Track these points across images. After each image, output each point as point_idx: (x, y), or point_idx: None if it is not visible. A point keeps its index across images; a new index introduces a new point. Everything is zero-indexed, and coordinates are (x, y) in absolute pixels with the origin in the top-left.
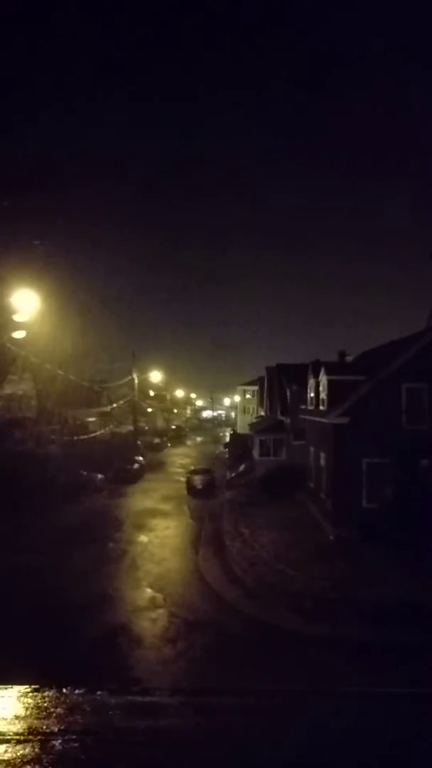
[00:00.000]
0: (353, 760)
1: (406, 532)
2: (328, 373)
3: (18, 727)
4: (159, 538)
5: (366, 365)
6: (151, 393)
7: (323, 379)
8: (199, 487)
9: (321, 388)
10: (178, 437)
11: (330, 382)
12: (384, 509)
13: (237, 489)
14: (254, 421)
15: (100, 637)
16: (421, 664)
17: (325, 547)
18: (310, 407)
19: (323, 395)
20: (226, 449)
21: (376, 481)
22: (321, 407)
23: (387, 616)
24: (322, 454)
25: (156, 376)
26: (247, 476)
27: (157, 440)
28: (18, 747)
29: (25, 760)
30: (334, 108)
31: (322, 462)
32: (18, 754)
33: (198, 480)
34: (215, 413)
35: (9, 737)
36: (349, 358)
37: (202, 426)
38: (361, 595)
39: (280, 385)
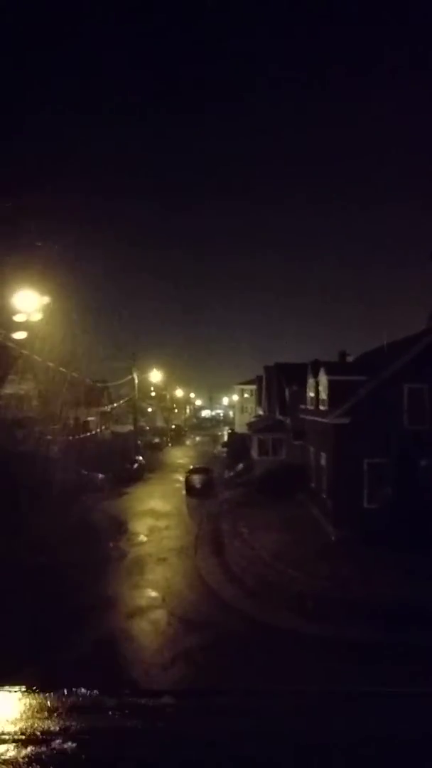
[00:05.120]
0: (354, 760)
1: (406, 533)
2: (327, 372)
3: (18, 727)
4: (158, 537)
5: (366, 365)
6: (153, 394)
7: (323, 378)
8: (198, 486)
9: (321, 388)
10: (177, 436)
11: (330, 382)
12: (385, 509)
13: (235, 488)
14: (252, 420)
15: (100, 637)
16: (422, 664)
17: (326, 548)
18: (310, 407)
19: (323, 395)
20: (225, 448)
21: (377, 481)
22: (321, 407)
23: (388, 616)
24: (323, 455)
25: (156, 375)
26: (246, 475)
27: (156, 440)
28: (18, 747)
29: (25, 760)
30: (334, 109)
31: (323, 462)
32: (18, 754)
33: (197, 479)
34: (214, 413)
35: (9, 737)
36: (349, 358)
37: (201, 425)
38: (361, 595)
39: (279, 384)
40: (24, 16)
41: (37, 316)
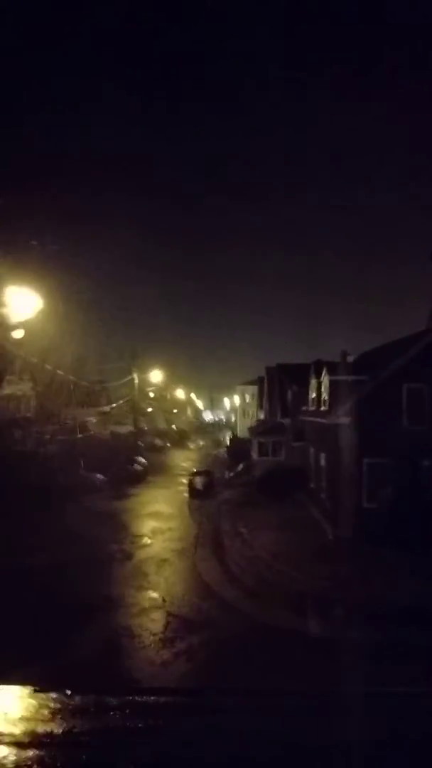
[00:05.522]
0: (354, 760)
1: (406, 533)
2: (330, 373)
3: (20, 728)
4: (158, 538)
5: (368, 365)
6: (151, 394)
7: (325, 379)
8: (200, 487)
9: (323, 389)
10: (180, 440)
11: (332, 382)
12: (385, 510)
13: (235, 489)
14: (253, 424)
15: (100, 637)
16: (422, 664)
17: (325, 548)
18: (311, 408)
19: (325, 395)
20: (226, 452)
21: (377, 481)
22: (322, 407)
23: (388, 616)
24: (323, 455)
25: (156, 375)
26: (246, 476)
27: (158, 441)
28: (20, 748)
29: (27, 761)
30: (334, 109)
31: (323, 462)
32: (20, 755)
33: (199, 481)
34: (215, 417)
35: (10, 739)
36: (350, 358)
37: (203, 429)
38: (361, 595)
39: (281, 385)
40: (24, 16)
41: (32, 317)
